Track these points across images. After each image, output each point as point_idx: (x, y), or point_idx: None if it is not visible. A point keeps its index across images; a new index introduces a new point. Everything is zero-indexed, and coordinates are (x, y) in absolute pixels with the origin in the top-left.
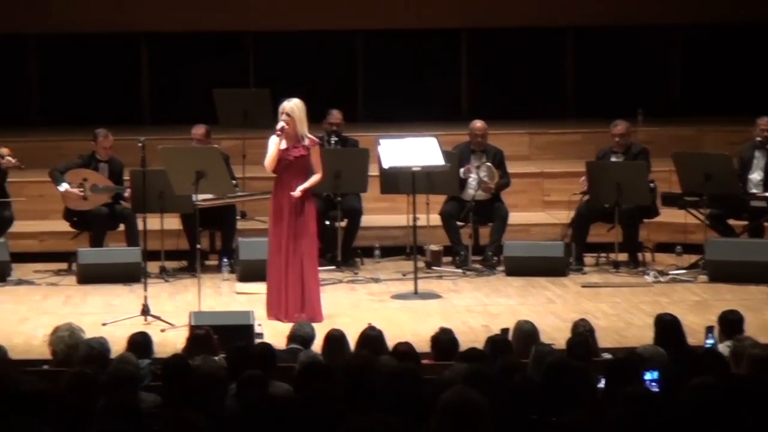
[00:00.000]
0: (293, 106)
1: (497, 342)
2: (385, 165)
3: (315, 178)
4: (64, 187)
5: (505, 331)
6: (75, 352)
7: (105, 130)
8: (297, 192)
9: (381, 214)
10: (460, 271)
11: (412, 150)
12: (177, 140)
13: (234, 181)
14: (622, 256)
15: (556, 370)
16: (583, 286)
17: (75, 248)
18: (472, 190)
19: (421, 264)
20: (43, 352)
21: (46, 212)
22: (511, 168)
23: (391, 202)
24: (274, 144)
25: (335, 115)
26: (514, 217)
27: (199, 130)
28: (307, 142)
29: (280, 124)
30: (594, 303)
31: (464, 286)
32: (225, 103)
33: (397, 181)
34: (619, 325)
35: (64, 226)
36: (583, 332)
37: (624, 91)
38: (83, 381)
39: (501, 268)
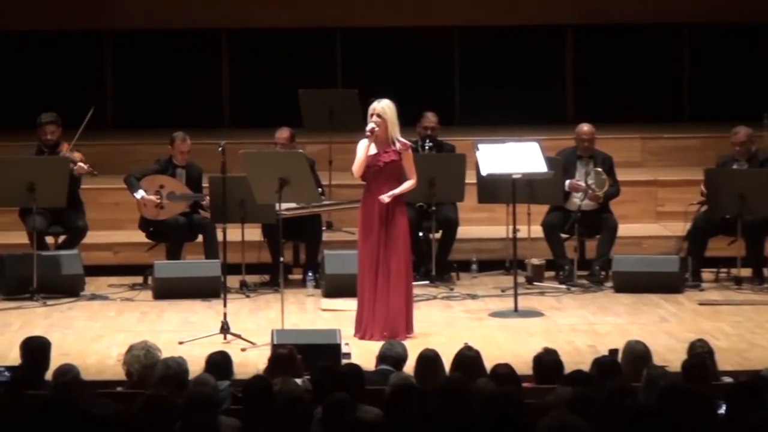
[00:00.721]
0: (384, 107)
1: (605, 364)
2: (484, 172)
3: (408, 184)
4: (140, 194)
5: (613, 352)
6: (150, 372)
7: (183, 134)
8: (386, 197)
9: (478, 225)
10: (564, 287)
11: (513, 156)
12: (259, 144)
13: (320, 189)
14: (745, 272)
15: (670, 395)
16: (701, 304)
17: (151, 261)
18: (577, 200)
19: (521, 279)
20: (117, 373)
21: (120, 222)
22: (621, 175)
23: (489, 212)
24: (363, 148)
25: (430, 118)
26: (624, 229)
27: (283, 133)
28: (398, 146)
29: (371, 126)
30: (713, 322)
31: (569, 303)
32: (310, 104)
33: (496, 190)
34: (741, 346)
35: (139, 236)
36: (700, 353)
37: (747, 92)
38: (159, 404)
39: (609, 284)
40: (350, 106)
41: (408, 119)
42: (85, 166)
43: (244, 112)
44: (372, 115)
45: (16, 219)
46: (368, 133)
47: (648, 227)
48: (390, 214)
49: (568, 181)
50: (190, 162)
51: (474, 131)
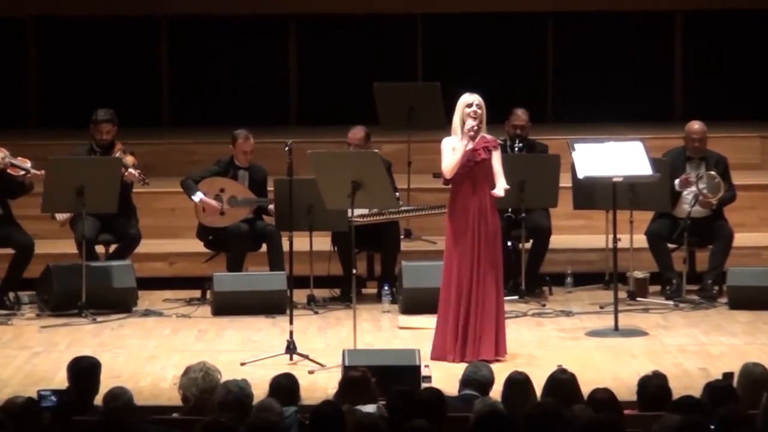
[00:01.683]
0: (481, 100)
1: (718, 389)
2: (580, 174)
3: (504, 185)
4: (198, 196)
5: (728, 375)
6: (209, 397)
7: (245, 131)
8: (502, 191)
9: (574, 234)
10: (671, 303)
11: (614, 157)
12: (329, 144)
13: (396, 194)
14: None
15: None
16: None
17: (210, 273)
18: (687, 206)
19: (622, 294)
20: (173, 397)
21: (177, 230)
22: (737, 179)
23: (586, 219)
24: (450, 146)
25: (519, 116)
26: (741, 238)
27: (357, 133)
28: (488, 142)
29: (471, 124)
30: None
31: (677, 321)
32: (387, 98)
33: (594, 194)
34: None
35: (197, 246)
36: None
37: None
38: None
39: (723, 299)
40: (431, 101)
41: (494, 116)
42: (137, 173)
43: (313, 107)
44: (471, 105)
45: (65, 226)
46: (470, 134)
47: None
48: (486, 219)
49: (677, 180)
50: (254, 163)
51: (569, 129)
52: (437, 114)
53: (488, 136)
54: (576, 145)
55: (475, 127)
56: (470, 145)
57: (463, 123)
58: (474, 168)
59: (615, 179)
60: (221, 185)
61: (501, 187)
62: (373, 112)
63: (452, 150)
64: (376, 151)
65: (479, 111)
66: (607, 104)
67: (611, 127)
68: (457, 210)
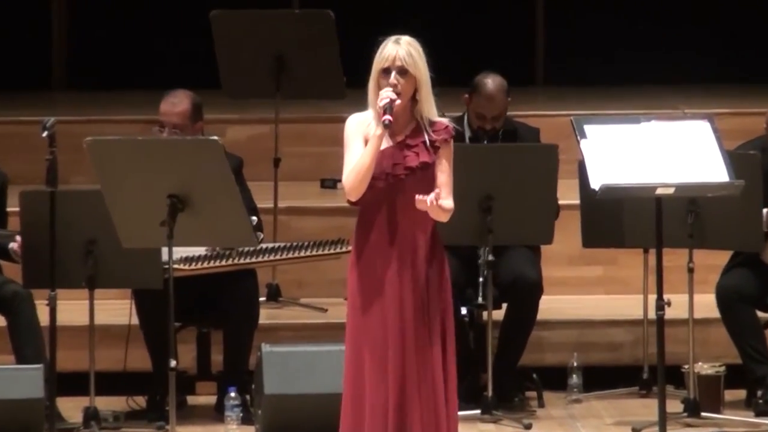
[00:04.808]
0: (412, 52)
1: None
2: (595, 184)
3: (449, 205)
4: None
5: None
6: None
7: None
8: (437, 213)
9: (583, 293)
10: (766, 422)
11: (656, 148)
12: (127, 125)
13: (253, 219)
14: None
15: None
16: None
17: None
18: None
19: (674, 407)
20: None
21: None
22: None
23: (606, 265)
24: (359, 135)
25: (490, 96)
26: None
27: (176, 104)
28: (433, 134)
29: (387, 96)
30: None
31: None
32: (233, 41)
33: (621, 220)
34: None
35: None
36: None
37: None
38: None
39: None
40: (319, 47)
41: (446, 80)
42: None
43: (92, 60)
44: (387, 70)
45: None
46: (384, 115)
47: None
48: (422, 267)
49: None
50: None
51: (570, 97)
52: (331, 70)
53: (437, 124)
54: (586, 128)
55: (390, 104)
56: (384, 140)
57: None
58: (398, 183)
59: (660, 191)
60: None
61: (433, 196)
62: (211, 68)
63: (362, 142)
64: (215, 138)
65: (399, 78)
66: (633, 55)
67: (644, 95)
68: (368, 250)
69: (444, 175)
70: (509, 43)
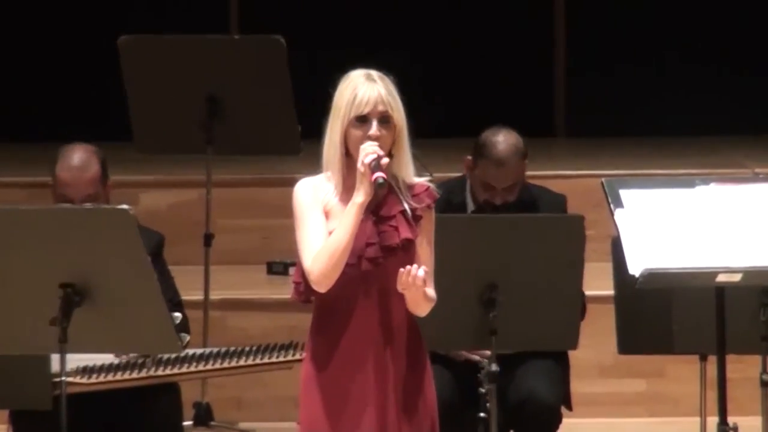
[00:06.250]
0: (394, 94)
1: None
2: (634, 269)
3: (431, 294)
4: None
5: None
6: None
7: None
8: (418, 275)
9: (619, 415)
10: None
11: (713, 220)
12: (9, 190)
13: (176, 316)
14: None
15: None
16: None
17: None
18: None
19: None
20: None
21: None
22: None
23: (650, 378)
24: (318, 206)
25: (503, 161)
26: None
27: (78, 164)
28: (413, 200)
29: (369, 151)
30: None
31: None
32: (148, 79)
33: (669, 318)
34: None
35: None
36: None
37: None
38: None
39: None
40: (266, 86)
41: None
42: None
43: None
44: (363, 118)
45: None
46: (376, 178)
47: None
48: (395, 383)
49: None
50: None
51: (603, 151)
52: (282, 116)
53: (416, 188)
54: (622, 193)
55: (378, 161)
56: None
57: (347, 146)
58: (375, 268)
59: (723, 278)
60: None
61: (412, 274)
62: (118, 113)
63: (322, 214)
64: (125, 207)
65: (383, 128)
66: (682, 101)
67: (698, 149)
68: (336, 360)
69: (426, 254)
70: (523, 85)
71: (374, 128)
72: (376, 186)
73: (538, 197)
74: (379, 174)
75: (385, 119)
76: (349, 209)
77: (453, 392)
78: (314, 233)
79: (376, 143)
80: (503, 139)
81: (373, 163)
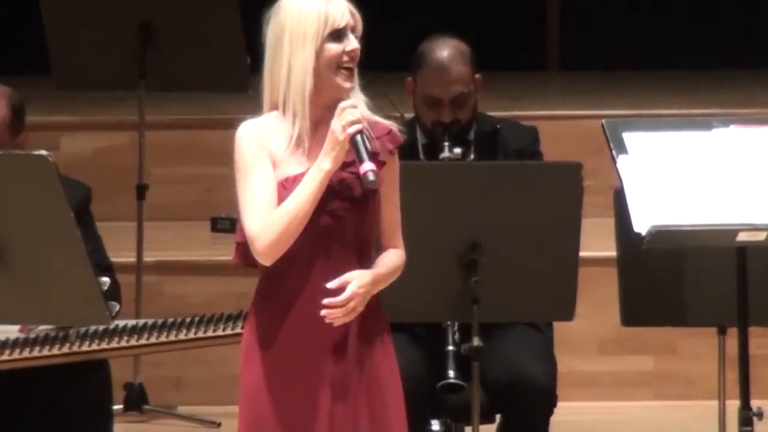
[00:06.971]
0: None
1: None
2: (639, 226)
3: (394, 262)
4: None
5: None
6: None
7: None
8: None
9: (622, 398)
10: None
11: (733, 169)
12: None
13: (104, 280)
14: None
15: None
16: None
17: None
18: None
19: None
20: None
21: None
22: None
23: (657, 354)
24: (265, 156)
25: (446, 67)
26: None
27: None
28: (378, 142)
29: (355, 127)
30: None
31: None
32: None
33: (681, 285)
34: None
35: None
36: None
37: None
38: None
39: None
40: (211, 13)
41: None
42: None
43: None
44: (338, 33)
45: None
46: (364, 163)
47: None
48: (354, 356)
49: None
50: None
51: (603, 86)
52: (227, 47)
53: (380, 128)
54: (626, 137)
55: (362, 136)
56: (299, 160)
57: (322, 79)
58: (334, 224)
59: (745, 237)
60: None
61: (344, 282)
62: (36, 44)
63: (269, 165)
64: (43, 152)
65: (356, 48)
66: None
67: (715, 83)
68: (284, 334)
69: (391, 207)
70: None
71: (354, 42)
72: (367, 183)
73: (501, 127)
74: (370, 168)
75: (356, 32)
76: (314, 175)
77: (422, 370)
78: (260, 190)
79: (357, 108)
80: (442, 42)
81: (358, 137)
